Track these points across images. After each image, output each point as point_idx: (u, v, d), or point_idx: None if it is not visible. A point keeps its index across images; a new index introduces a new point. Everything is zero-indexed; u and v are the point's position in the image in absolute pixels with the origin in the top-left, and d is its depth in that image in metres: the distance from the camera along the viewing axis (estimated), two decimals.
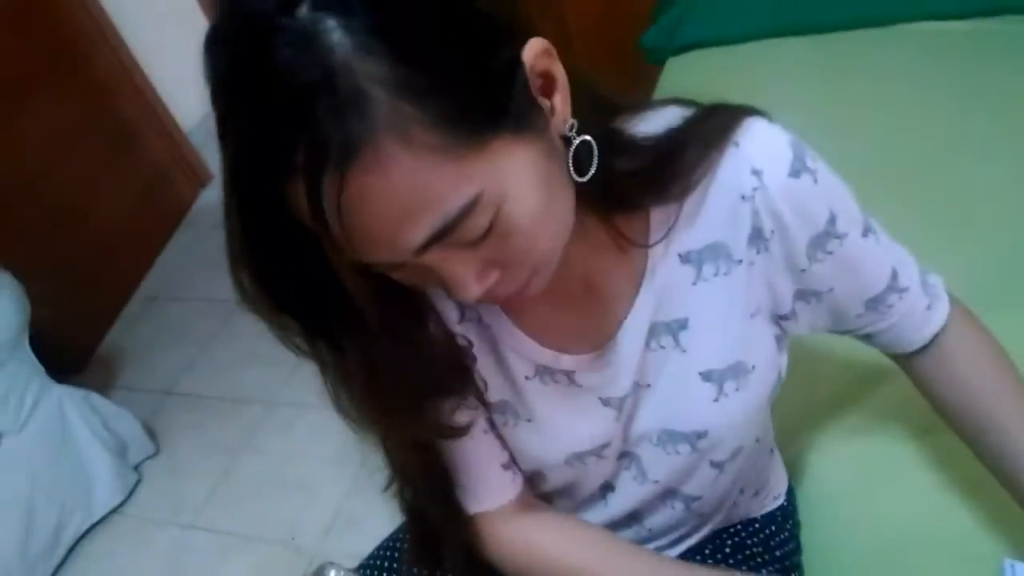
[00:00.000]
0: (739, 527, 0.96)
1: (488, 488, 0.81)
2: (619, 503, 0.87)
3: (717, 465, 0.81)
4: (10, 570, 1.85)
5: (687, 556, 0.94)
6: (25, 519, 1.88)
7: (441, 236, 0.53)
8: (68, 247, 2.63)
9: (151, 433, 2.25)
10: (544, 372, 0.76)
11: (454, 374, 0.74)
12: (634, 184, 0.65)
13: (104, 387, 2.40)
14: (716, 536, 0.95)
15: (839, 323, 0.78)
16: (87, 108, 2.78)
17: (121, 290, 2.88)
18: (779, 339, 0.77)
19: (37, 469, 1.92)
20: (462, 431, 0.75)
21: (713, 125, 0.67)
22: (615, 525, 0.90)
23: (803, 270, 0.71)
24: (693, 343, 0.73)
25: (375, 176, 0.49)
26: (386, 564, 0.99)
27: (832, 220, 0.69)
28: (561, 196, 0.59)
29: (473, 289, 0.58)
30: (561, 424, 0.78)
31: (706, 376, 0.74)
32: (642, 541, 0.92)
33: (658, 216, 0.69)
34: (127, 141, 2.90)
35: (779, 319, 0.75)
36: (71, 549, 2.02)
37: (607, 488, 0.86)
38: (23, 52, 2.53)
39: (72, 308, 2.54)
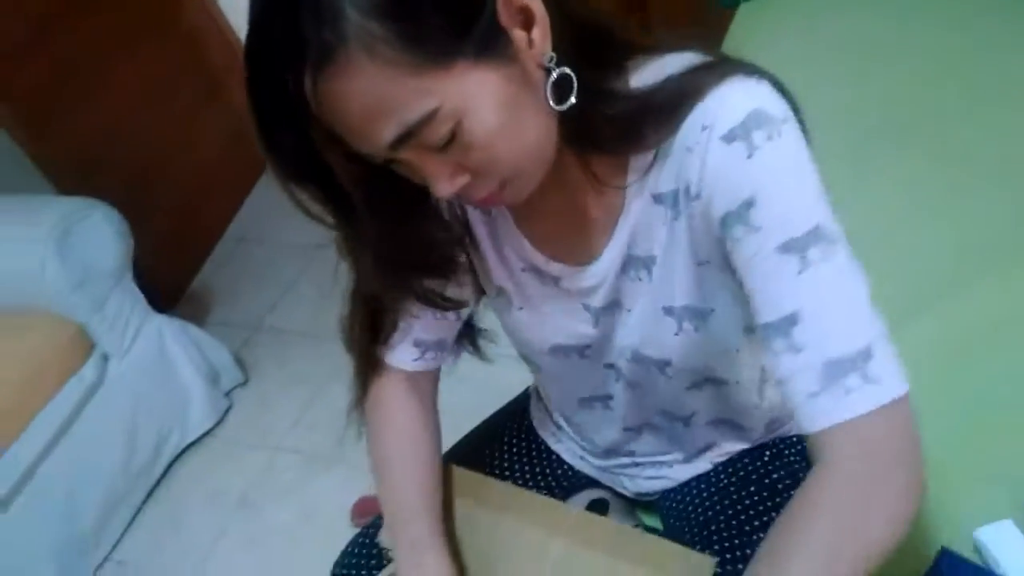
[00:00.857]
0: (777, 440, 1.01)
1: (396, 349, 0.92)
2: (622, 413, 0.96)
3: (694, 387, 0.89)
4: (115, 481, 2.02)
5: (726, 465, 1.00)
6: (129, 436, 2.05)
7: (405, 139, 0.62)
8: (161, 192, 2.79)
9: (240, 364, 2.40)
10: (534, 271, 0.85)
11: (444, 257, 0.84)
12: (610, 130, 0.69)
13: (196, 322, 2.56)
14: (755, 448, 1.00)
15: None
16: (178, 59, 2.92)
17: (210, 233, 3.04)
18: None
19: (139, 391, 2.08)
20: (452, 304, 0.87)
21: (702, 78, 0.67)
22: (633, 433, 0.99)
23: (719, 239, 0.69)
24: (659, 279, 0.78)
25: (344, 81, 0.59)
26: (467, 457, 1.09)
27: (749, 205, 0.65)
28: (530, 121, 0.65)
29: (445, 187, 0.67)
30: (547, 316, 0.87)
31: (667, 311, 0.80)
32: (667, 449, 1.01)
33: (637, 157, 0.73)
34: (215, 90, 3.04)
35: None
36: (168, 466, 2.19)
37: (607, 397, 0.96)
38: (120, 9, 2.67)
39: (165, 250, 2.70)
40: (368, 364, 0.93)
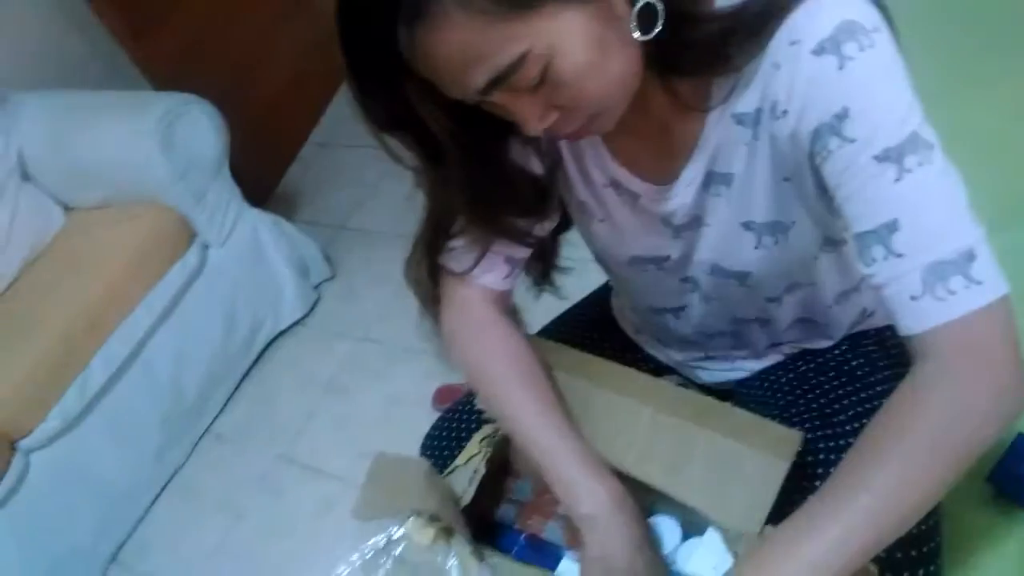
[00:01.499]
0: (854, 333, 1.02)
1: (484, 267, 0.90)
2: (696, 322, 1.00)
3: (773, 299, 0.92)
4: (215, 361, 2.18)
5: (803, 354, 1.02)
6: (227, 320, 2.19)
7: (497, 83, 0.65)
8: (248, 95, 2.85)
9: (328, 260, 2.51)
10: (616, 186, 0.87)
11: (527, 196, 0.86)
12: (695, 54, 0.69)
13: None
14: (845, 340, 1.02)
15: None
16: None
17: (295, 136, 3.13)
18: (828, 202, 0.73)
19: (236, 279, 2.21)
20: (533, 240, 0.90)
21: None
22: (706, 337, 1.03)
23: (808, 153, 0.70)
24: (738, 195, 0.79)
25: (436, 33, 0.62)
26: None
27: (842, 116, 0.64)
28: (617, 55, 0.67)
29: (535, 126, 0.70)
30: (626, 230, 0.90)
31: (746, 226, 0.82)
32: (740, 347, 1.04)
33: (720, 78, 0.73)
34: None
35: (820, 186, 0.73)
36: (263, 351, 2.34)
37: (681, 308, 0.99)
38: None
39: (253, 151, 2.78)
40: (437, 291, 0.93)
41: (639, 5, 0.65)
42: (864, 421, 0.91)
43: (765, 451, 0.76)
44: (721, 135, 0.77)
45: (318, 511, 1.91)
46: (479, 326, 0.92)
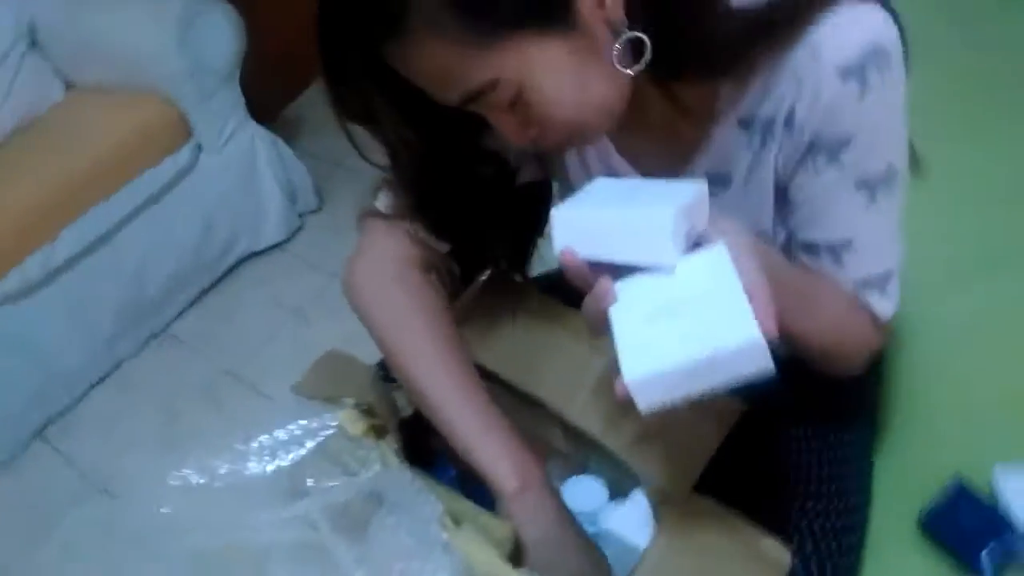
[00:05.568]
0: None
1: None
2: None
3: None
4: (185, 263, 2.16)
5: None
6: (205, 225, 2.18)
7: (468, 102, 0.65)
8: (273, 14, 2.82)
9: (317, 192, 2.49)
10: (614, 175, 0.84)
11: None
12: (710, 54, 0.66)
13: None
14: None
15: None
16: None
17: (311, 66, 3.07)
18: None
19: (223, 188, 2.19)
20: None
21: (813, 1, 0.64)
22: None
23: (796, 163, 0.71)
24: (732, 199, 0.77)
25: (412, 51, 0.62)
26: None
27: (844, 143, 0.66)
28: (595, 84, 0.64)
29: (516, 138, 0.69)
30: None
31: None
32: None
33: (729, 83, 0.70)
34: None
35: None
36: (234, 266, 2.32)
37: None
38: None
39: (267, 70, 2.74)
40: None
41: (623, 39, 0.63)
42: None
43: (703, 420, 0.76)
44: (723, 139, 0.74)
45: (251, 435, 1.90)
46: (393, 278, 0.87)
